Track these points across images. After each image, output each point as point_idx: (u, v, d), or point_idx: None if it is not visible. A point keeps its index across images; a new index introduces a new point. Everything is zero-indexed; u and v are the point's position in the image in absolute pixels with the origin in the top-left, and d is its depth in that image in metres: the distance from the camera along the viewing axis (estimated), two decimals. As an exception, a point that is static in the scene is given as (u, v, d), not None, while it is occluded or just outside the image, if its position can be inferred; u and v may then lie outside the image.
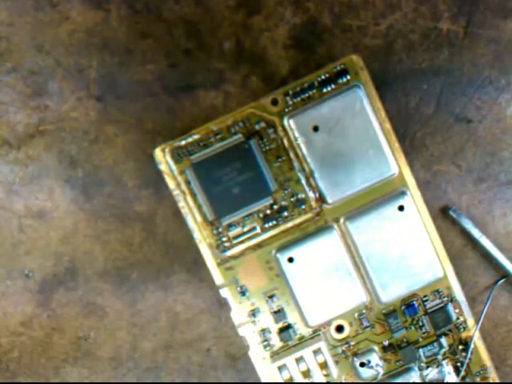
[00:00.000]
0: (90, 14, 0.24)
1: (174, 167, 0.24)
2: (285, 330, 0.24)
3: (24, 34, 0.24)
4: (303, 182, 0.24)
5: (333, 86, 0.24)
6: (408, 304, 0.24)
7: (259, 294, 0.24)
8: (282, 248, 0.24)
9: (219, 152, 0.24)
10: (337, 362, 0.25)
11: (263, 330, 0.24)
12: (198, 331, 0.26)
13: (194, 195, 0.24)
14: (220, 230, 0.24)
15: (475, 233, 0.25)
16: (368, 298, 0.24)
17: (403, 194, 0.24)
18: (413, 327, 0.25)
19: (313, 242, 0.24)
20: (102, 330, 0.26)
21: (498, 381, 0.25)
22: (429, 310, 0.25)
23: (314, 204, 0.24)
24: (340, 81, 0.24)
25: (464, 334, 0.25)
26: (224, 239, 0.24)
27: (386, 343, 0.25)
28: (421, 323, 0.25)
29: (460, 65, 0.25)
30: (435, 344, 0.25)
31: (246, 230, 0.24)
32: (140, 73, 0.24)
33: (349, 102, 0.23)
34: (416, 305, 0.24)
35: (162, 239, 0.25)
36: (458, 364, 0.25)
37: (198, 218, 0.24)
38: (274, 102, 0.24)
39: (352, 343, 0.25)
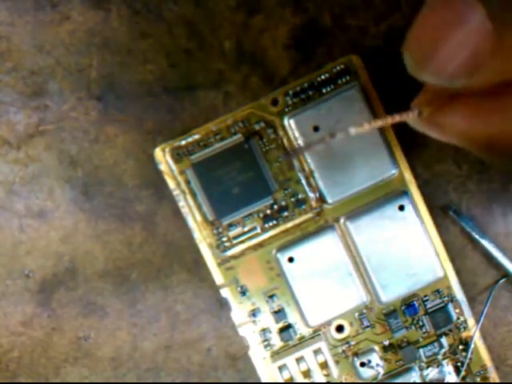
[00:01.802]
0: (90, 13, 0.24)
1: (174, 167, 0.24)
2: (285, 329, 0.24)
3: (24, 33, 0.24)
4: (303, 181, 0.24)
5: (332, 86, 0.24)
6: (408, 304, 0.24)
7: (259, 293, 0.24)
8: (283, 248, 0.24)
9: (219, 152, 0.24)
10: (337, 362, 0.25)
11: (263, 330, 0.24)
12: (198, 331, 0.26)
13: (194, 195, 0.24)
14: (220, 229, 0.24)
15: (475, 233, 0.25)
16: (368, 297, 0.24)
17: (403, 193, 0.24)
18: (413, 327, 0.25)
19: (313, 242, 0.24)
20: (102, 329, 0.26)
21: (498, 381, 0.25)
22: (429, 310, 0.25)
23: (314, 204, 0.24)
24: (340, 81, 0.24)
25: (464, 334, 0.25)
26: (224, 239, 0.24)
27: (387, 343, 0.25)
28: (421, 323, 0.25)
29: (460, 65, 0.25)
30: (435, 344, 0.25)
31: (246, 229, 0.24)
32: (140, 73, 0.24)
33: (349, 102, 0.23)
34: (416, 305, 0.24)
35: (162, 239, 0.25)
36: (459, 364, 0.25)
37: (198, 217, 0.24)
38: (274, 102, 0.24)
39: (352, 343, 0.25)
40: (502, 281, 0.26)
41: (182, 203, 0.24)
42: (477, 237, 0.25)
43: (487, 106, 0.14)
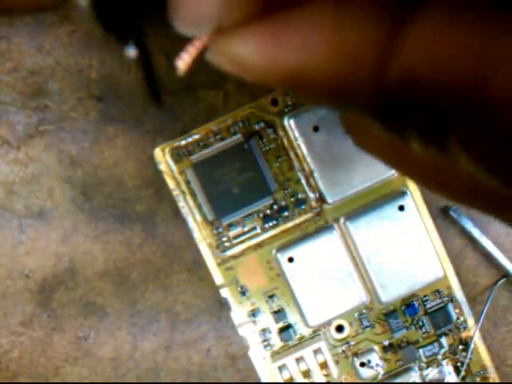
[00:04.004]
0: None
1: (174, 167, 0.24)
2: (285, 329, 0.24)
3: (24, 34, 0.24)
4: (303, 181, 0.24)
5: (333, 86, 0.24)
6: (408, 304, 0.24)
7: (259, 293, 0.24)
8: (282, 248, 0.24)
9: (219, 152, 0.24)
10: (337, 362, 0.25)
11: (263, 330, 0.24)
12: (198, 331, 0.26)
13: (194, 195, 0.24)
14: (220, 229, 0.24)
15: (475, 233, 0.25)
16: (368, 297, 0.24)
17: (403, 194, 0.24)
18: (413, 327, 0.25)
19: (313, 242, 0.24)
20: (102, 330, 0.26)
21: (498, 381, 0.25)
22: (429, 310, 0.25)
23: (314, 204, 0.24)
24: (340, 81, 0.23)
25: (464, 334, 0.25)
26: (224, 239, 0.24)
27: (386, 343, 0.25)
28: (421, 323, 0.25)
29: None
30: (435, 344, 0.25)
31: (246, 229, 0.24)
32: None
33: (349, 102, 0.23)
34: (416, 305, 0.24)
35: (161, 239, 0.25)
36: (458, 364, 0.25)
37: (198, 217, 0.24)
38: (274, 102, 0.24)
39: (352, 343, 0.25)
40: (501, 281, 0.26)
41: (181, 203, 0.24)
42: (477, 237, 0.25)
43: (285, 29, 0.11)
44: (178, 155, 0.24)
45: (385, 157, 0.15)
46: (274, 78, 0.12)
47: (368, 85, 0.10)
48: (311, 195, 0.24)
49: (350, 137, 0.16)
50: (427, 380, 0.25)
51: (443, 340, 0.25)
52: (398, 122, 0.11)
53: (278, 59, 0.11)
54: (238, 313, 0.24)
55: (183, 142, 0.24)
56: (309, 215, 0.24)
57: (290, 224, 0.24)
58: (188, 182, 0.24)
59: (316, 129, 0.23)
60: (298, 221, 0.24)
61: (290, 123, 0.23)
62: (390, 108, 0.11)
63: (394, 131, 0.11)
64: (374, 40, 0.10)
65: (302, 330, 0.24)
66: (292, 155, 0.24)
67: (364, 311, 0.24)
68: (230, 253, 0.24)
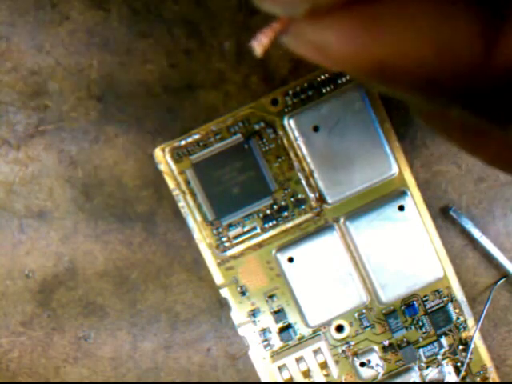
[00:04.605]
0: (90, 13, 0.24)
1: (173, 167, 0.24)
2: (285, 329, 0.24)
3: (24, 33, 0.24)
4: (303, 182, 0.24)
5: (332, 86, 0.24)
6: (408, 304, 0.24)
7: (259, 293, 0.24)
8: (282, 248, 0.24)
9: (219, 152, 0.24)
10: (337, 362, 0.25)
11: (263, 330, 0.24)
12: (198, 331, 0.26)
13: (194, 195, 0.24)
14: (220, 229, 0.24)
15: (475, 233, 0.25)
16: (368, 297, 0.24)
17: (403, 193, 0.24)
18: (413, 327, 0.25)
19: (313, 242, 0.24)
20: (102, 330, 0.26)
21: (498, 381, 0.25)
22: (429, 310, 0.25)
23: (314, 204, 0.24)
24: (340, 81, 0.24)
25: (464, 334, 0.25)
26: (224, 239, 0.24)
27: (386, 343, 0.25)
28: (421, 323, 0.25)
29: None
30: (435, 344, 0.25)
31: (246, 229, 0.24)
32: (140, 73, 0.24)
33: (349, 102, 0.23)
34: (416, 305, 0.24)
35: (161, 239, 0.25)
36: (458, 364, 0.25)
37: (198, 218, 0.24)
38: (274, 102, 0.24)
39: (352, 343, 0.25)
40: (501, 281, 0.26)
41: (181, 203, 0.24)
42: (477, 237, 0.25)
43: (378, 19, 0.10)
44: (178, 155, 0.24)
45: (465, 145, 0.15)
46: (359, 67, 0.11)
47: (467, 76, 0.10)
48: (311, 195, 0.24)
49: (427, 126, 0.16)
50: (427, 380, 0.25)
51: (443, 340, 0.25)
52: (501, 112, 0.11)
53: (368, 49, 0.11)
54: (238, 313, 0.24)
55: (183, 142, 0.24)
56: (309, 215, 0.24)
57: (289, 224, 0.24)
58: (188, 182, 0.24)
59: (316, 129, 0.23)
60: (297, 221, 0.24)
61: (289, 123, 0.23)
62: (492, 99, 0.10)
63: (491, 121, 0.11)
64: (473, 32, 0.10)
65: (302, 330, 0.24)
66: (292, 155, 0.24)
67: (364, 311, 0.24)
68: (229, 253, 0.24)
